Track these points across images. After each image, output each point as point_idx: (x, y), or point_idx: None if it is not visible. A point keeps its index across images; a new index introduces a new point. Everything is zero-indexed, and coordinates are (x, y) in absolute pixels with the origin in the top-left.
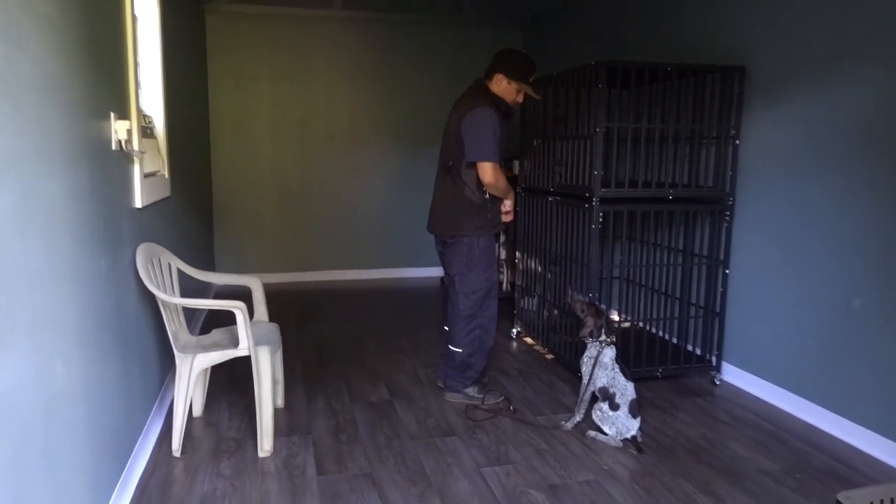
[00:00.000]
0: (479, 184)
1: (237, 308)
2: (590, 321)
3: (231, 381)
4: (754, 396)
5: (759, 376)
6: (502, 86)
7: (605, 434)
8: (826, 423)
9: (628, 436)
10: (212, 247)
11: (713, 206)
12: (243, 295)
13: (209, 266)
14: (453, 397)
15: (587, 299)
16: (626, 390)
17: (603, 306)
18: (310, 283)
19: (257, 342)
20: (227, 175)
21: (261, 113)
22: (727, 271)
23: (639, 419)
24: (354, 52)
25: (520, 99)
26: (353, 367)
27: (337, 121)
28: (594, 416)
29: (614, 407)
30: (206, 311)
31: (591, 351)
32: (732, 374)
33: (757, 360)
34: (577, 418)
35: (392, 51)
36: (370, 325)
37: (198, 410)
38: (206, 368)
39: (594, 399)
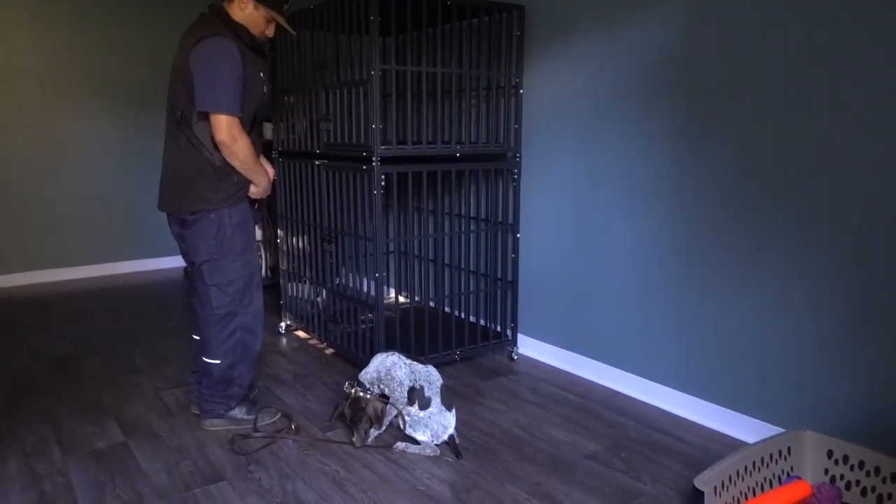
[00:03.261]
0: None
1: None
2: (369, 413)
3: None
4: (555, 368)
5: (557, 345)
6: (247, 10)
7: (418, 442)
8: (633, 389)
9: (445, 436)
10: None
11: (500, 164)
12: None
13: None
14: (215, 424)
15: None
16: (430, 376)
17: (362, 393)
18: (0, 290)
19: None
20: None
21: None
22: (518, 236)
23: (454, 411)
24: None
25: (269, 33)
26: (67, 401)
27: (20, 76)
28: (401, 426)
29: (425, 404)
30: None
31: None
32: (530, 347)
33: (553, 329)
34: (380, 429)
35: None
36: (89, 339)
37: None
38: None
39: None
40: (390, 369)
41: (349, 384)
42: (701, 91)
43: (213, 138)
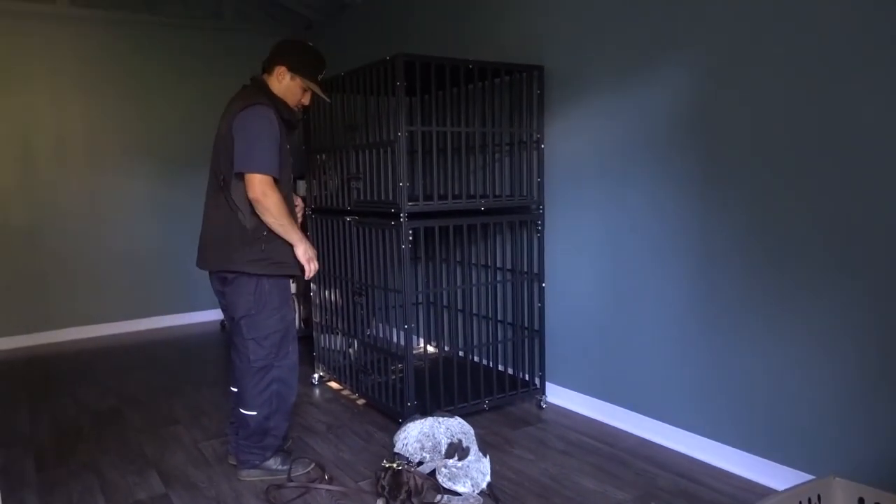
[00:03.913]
0: (251, 208)
1: None
2: (410, 485)
3: None
4: (583, 416)
5: (586, 393)
6: (284, 82)
7: (460, 493)
8: (661, 437)
9: (484, 484)
10: None
11: (524, 216)
12: None
13: None
14: (251, 475)
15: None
16: (464, 427)
17: (403, 466)
18: (47, 346)
19: None
20: None
21: None
22: (543, 285)
23: (488, 457)
24: (91, 58)
25: (305, 101)
26: (111, 453)
27: (73, 140)
28: (440, 480)
29: (464, 454)
30: None
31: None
32: (558, 395)
33: (581, 377)
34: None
35: (139, 58)
36: (131, 393)
37: None
38: None
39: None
40: (431, 435)
41: (389, 458)
42: (715, 144)
43: (248, 198)
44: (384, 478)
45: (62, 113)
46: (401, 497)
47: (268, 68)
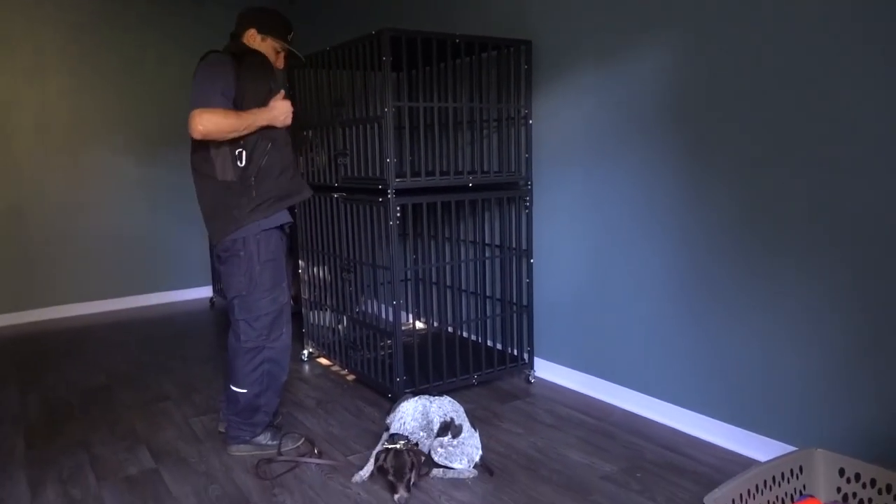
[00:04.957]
0: (230, 156)
1: None
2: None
3: None
4: (571, 390)
5: (573, 368)
6: (256, 43)
7: (454, 468)
8: (648, 410)
9: (477, 458)
10: None
11: (512, 193)
12: None
13: None
14: (241, 450)
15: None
16: (455, 405)
17: (401, 444)
18: (35, 325)
19: None
20: None
21: None
22: (532, 261)
23: (478, 431)
24: (72, 31)
25: (280, 64)
26: (100, 429)
27: (56, 119)
28: (435, 458)
29: (457, 432)
30: None
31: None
32: (546, 370)
33: (568, 352)
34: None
35: (125, 32)
36: (121, 370)
37: None
38: None
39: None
40: (425, 413)
41: (389, 439)
42: (701, 121)
43: (227, 152)
44: (386, 460)
45: (42, 89)
46: (407, 477)
47: (238, 33)
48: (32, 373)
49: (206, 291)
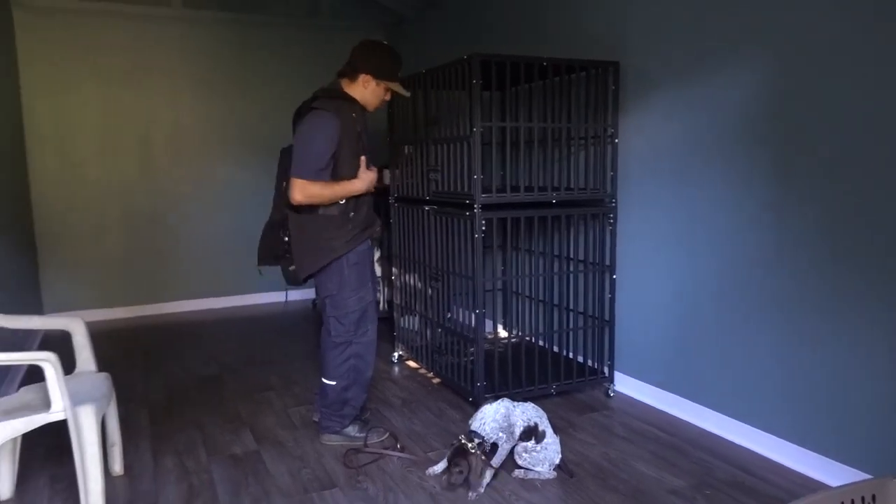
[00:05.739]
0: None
1: (43, 361)
2: (470, 463)
3: (55, 448)
4: (649, 406)
5: (653, 384)
6: (370, 87)
7: (536, 471)
8: (723, 429)
9: (557, 460)
10: (36, 282)
11: (596, 209)
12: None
13: (33, 306)
14: (331, 440)
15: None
16: (538, 411)
17: (470, 445)
18: (162, 317)
19: (78, 400)
20: (53, 197)
21: (88, 123)
22: (614, 277)
23: (559, 437)
24: (200, 56)
25: (387, 97)
26: (212, 412)
27: (185, 132)
28: (520, 462)
29: (541, 437)
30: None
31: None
32: (626, 384)
33: (649, 368)
34: (483, 485)
35: (244, 54)
36: (232, 361)
37: (5, 492)
38: (15, 438)
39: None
40: (507, 416)
41: (465, 435)
42: (788, 143)
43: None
44: (451, 448)
45: (176, 108)
46: (456, 470)
47: (352, 75)
48: (157, 360)
49: (309, 293)
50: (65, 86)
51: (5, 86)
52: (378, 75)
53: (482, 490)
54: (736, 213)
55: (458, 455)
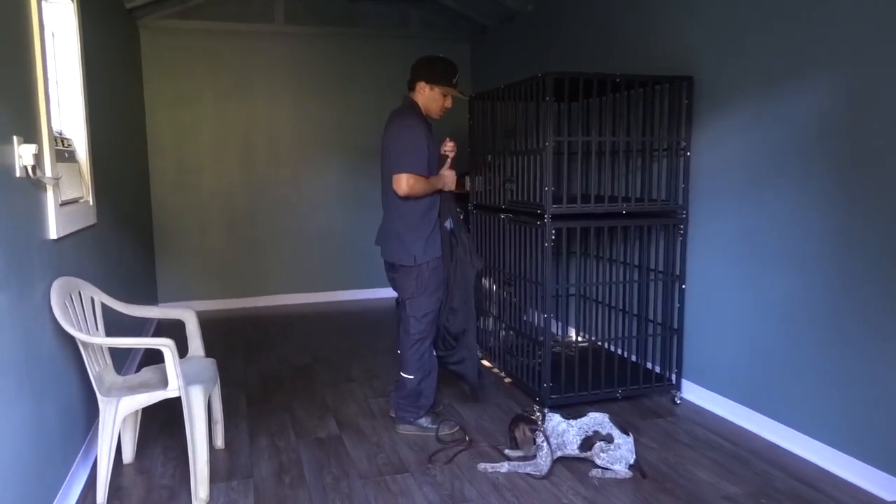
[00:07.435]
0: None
1: (164, 346)
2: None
3: (168, 422)
4: (715, 415)
5: (720, 393)
6: (426, 93)
7: (613, 469)
8: (787, 441)
9: (632, 460)
10: (153, 276)
11: (667, 220)
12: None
13: (151, 297)
14: (406, 429)
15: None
16: (594, 419)
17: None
18: (260, 309)
19: (189, 381)
20: (169, 198)
21: (202, 133)
22: (684, 286)
23: (631, 436)
24: (299, 68)
25: (448, 104)
26: (301, 399)
27: (282, 139)
28: (598, 462)
29: (608, 438)
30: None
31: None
32: (693, 392)
33: (716, 377)
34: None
35: (338, 66)
36: (321, 352)
37: (128, 456)
38: (137, 411)
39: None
40: (562, 434)
41: (537, 409)
42: (860, 159)
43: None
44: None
45: (274, 116)
46: (511, 435)
47: (411, 85)
48: (255, 348)
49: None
50: (182, 100)
51: (134, 100)
52: (430, 80)
53: (541, 460)
54: (808, 227)
55: (515, 423)
